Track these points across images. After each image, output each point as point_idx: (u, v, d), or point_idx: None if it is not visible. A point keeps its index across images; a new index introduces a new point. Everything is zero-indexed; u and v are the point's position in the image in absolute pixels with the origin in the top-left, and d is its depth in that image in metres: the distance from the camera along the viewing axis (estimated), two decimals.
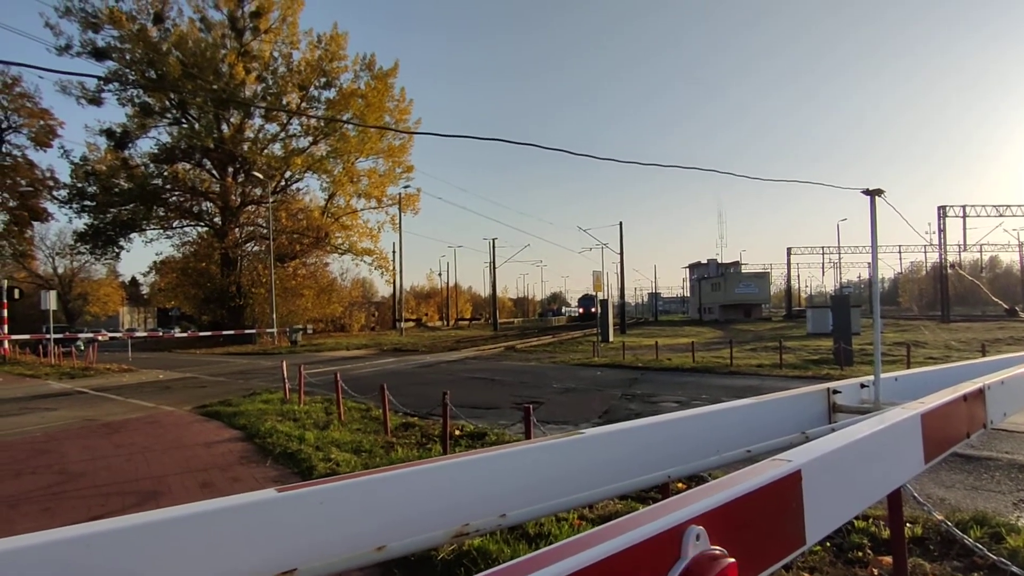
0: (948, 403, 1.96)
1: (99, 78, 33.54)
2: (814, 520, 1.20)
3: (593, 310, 64.94)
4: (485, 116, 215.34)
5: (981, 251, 53.53)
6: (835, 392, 2.60)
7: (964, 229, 47.11)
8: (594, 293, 67.31)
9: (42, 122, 35.13)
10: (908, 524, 3.58)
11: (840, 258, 66.66)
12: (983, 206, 47.12)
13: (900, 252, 66.79)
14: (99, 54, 34.86)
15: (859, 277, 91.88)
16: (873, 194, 2.73)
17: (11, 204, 36.33)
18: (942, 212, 46.69)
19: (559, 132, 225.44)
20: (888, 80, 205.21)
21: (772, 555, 1.10)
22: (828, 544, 3.49)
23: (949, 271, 47.95)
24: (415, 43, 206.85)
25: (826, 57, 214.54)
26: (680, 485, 3.98)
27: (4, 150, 34.35)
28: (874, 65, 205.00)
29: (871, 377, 2.76)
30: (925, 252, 66.84)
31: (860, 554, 3.39)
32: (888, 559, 3.21)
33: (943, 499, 4.61)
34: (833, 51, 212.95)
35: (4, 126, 33.82)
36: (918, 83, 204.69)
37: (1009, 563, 3.04)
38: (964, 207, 46.76)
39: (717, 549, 0.91)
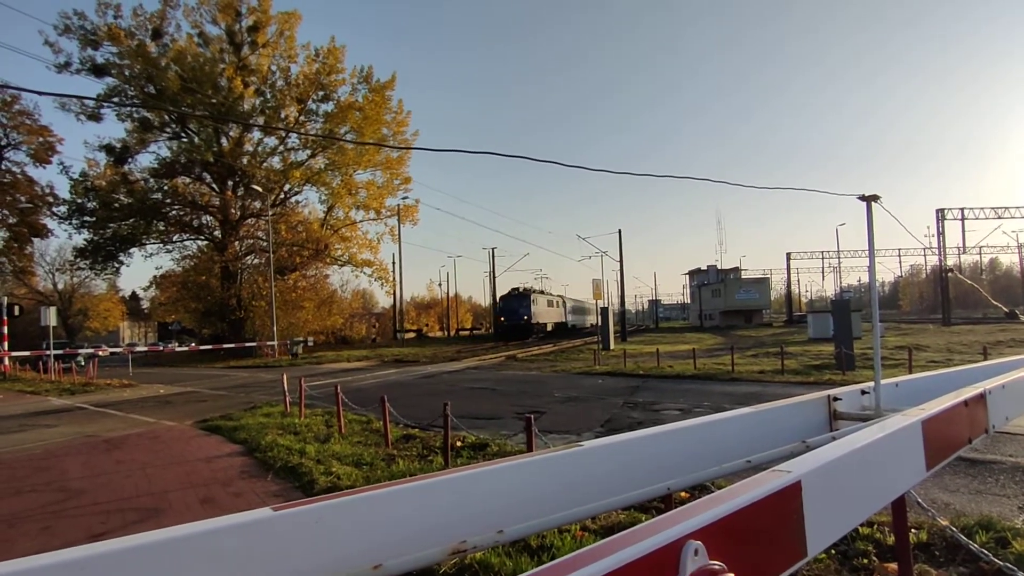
0: (949, 409, 1.95)
1: (97, 99, 33.76)
2: (815, 531, 1.18)
3: (527, 319, 45.26)
4: (482, 125, 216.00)
5: (981, 253, 53.67)
6: (836, 399, 2.59)
7: (963, 232, 47.23)
8: (522, 289, 48.38)
9: (41, 139, 35.31)
10: (913, 530, 3.56)
11: (840, 263, 66.94)
12: (981, 208, 47.26)
13: (900, 255, 66.88)
14: (98, 71, 35.16)
15: (859, 281, 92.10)
16: (869, 200, 2.73)
17: (11, 221, 36.45)
18: (941, 215, 46.80)
19: (559, 139, 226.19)
20: (884, 84, 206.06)
21: (772, 568, 1.09)
22: (833, 551, 3.46)
23: (948, 274, 47.98)
24: (411, 53, 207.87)
25: (821, 63, 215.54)
26: (683, 494, 3.96)
27: (4, 167, 34.54)
28: (870, 70, 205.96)
29: (872, 383, 2.75)
30: (925, 255, 67.02)
31: (865, 561, 3.36)
32: (893, 566, 3.19)
33: (948, 504, 4.58)
34: (828, 57, 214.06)
35: (3, 143, 34.04)
36: (914, 86, 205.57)
37: (1015, 568, 3.01)
38: (963, 210, 46.87)
39: (716, 564, 0.90)
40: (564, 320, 58.56)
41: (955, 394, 2.17)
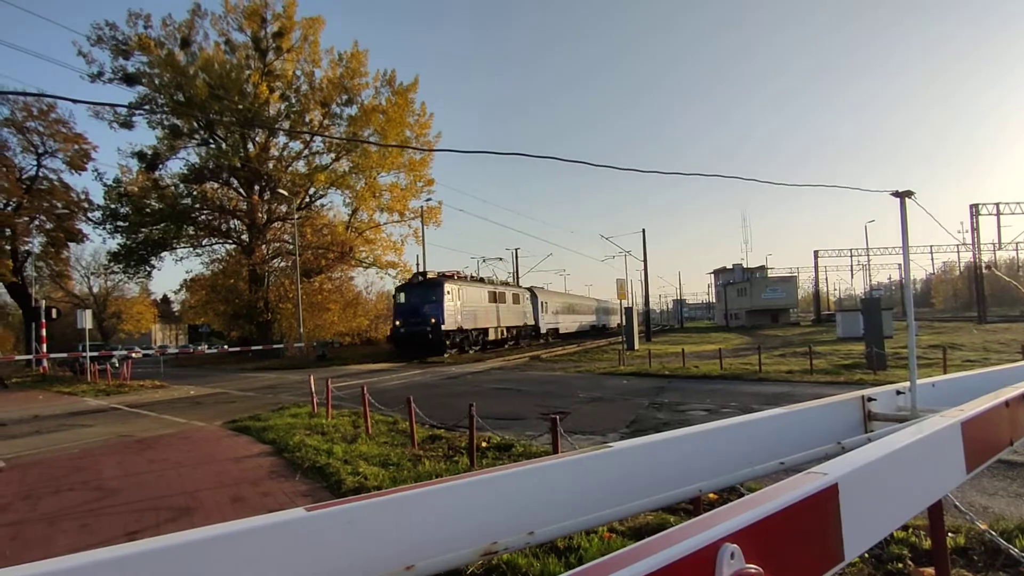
0: (989, 410, 1.90)
1: (129, 106, 34.63)
2: (852, 535, 1.16)
3: (435, 322, 27.25)
4: (507, 128, 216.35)
5: (1017, 249, 51.90)
6: (870, 400, 2.54)
7: (999, 227, 45.90)
8: (434, 275, 29.67)
9: (76, 146, 36.18)
10: (950, 534, 3.46)
11: (869, 260, 65.39)
12: (1017, 203, 45.86)
13: (932, 252, 65.17)
14: (130, 79, 36.10)
15: (889, 279, 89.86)
16: (903, 196, 2.67)
17: (48, 226, 37.42)
18: (975, 210, 45.57)
19: (581, 142, 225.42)
20: (914, 77, 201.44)
21: (809, 572, 1.07)
22: (867, 555, 3.39)
23: (984, 271, 46.68)
24: (423, 48, 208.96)
25: (851, 56, 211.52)
26: (712, 496, 3.91)
27: (41, 174, 35.44)
28: (899, 62, 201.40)
29: (907, 383, 2.69)
30: (958, 252, 65.04)
31: (900, 565, 3.28)
32: (930, 570, 3.10)
33: (986, 507, 4.45)
34: (858, 50, 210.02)
35: (41, 151, 34.88)
36: (944, 79, 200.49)
37: None
38: (998, 204, 45.57)
39: (753, 567, 0.89)
40: (534, 323, 41.15)
41: (995, 394, 2.11)
